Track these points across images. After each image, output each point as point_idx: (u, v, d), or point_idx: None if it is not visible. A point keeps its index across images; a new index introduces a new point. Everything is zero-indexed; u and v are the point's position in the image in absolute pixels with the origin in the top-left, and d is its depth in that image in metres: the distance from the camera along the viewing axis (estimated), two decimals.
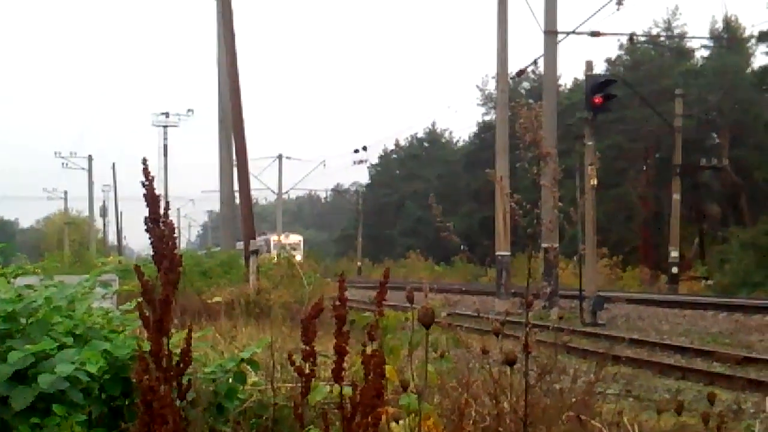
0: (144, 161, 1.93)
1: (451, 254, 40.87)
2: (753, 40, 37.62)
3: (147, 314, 1.80)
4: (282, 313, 9.49)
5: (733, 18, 40.18)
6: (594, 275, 18.99)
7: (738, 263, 31.11)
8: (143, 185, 1.85)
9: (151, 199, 1.85)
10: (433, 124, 65.88)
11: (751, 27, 37.33)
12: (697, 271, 35.69)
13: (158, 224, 1.82)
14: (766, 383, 8.31)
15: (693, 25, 52.60)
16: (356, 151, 50.45)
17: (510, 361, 2.77)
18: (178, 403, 1.86)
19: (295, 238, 52.87)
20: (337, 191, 75.93)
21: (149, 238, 1.88)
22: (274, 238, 52.24)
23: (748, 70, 38.97)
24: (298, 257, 45.39)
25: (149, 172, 1.88)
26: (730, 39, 40.51)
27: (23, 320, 3.06)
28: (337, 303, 1.83)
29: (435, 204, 3.18)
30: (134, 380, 1.83)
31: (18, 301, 3.06)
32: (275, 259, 33.02)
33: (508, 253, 19.51)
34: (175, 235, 1.91)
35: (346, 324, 1.84)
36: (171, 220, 1.91)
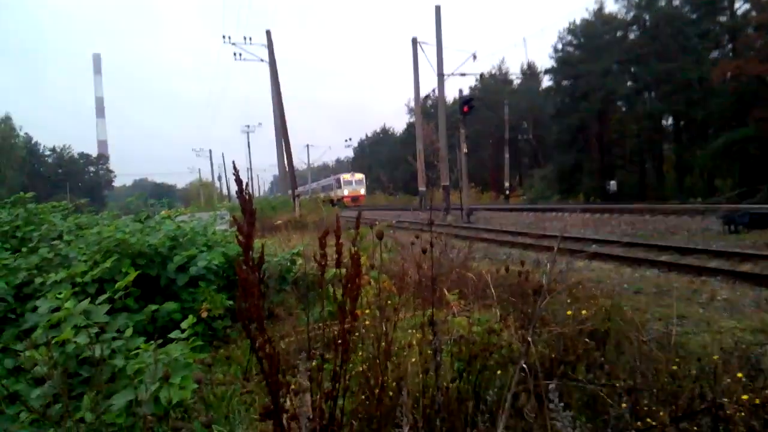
0: (233, 163, 2.84)
1: (397, 191, 73.61)
2: (542, 74, 67.10)
3: (240, 238, 2.49)
4: (312, 227, 15.91)
5: (532, 62, 74.95)
6: (467, 198, 30.62)
7: (538, 187, 57.98)
8: (234, 175, 2.59)
9: (238, 181, 2.54)
10: (384, 124, 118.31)
11: (541, 67, 69.98)
12: (518, 192, 62.62)
13: (242, 193, 2.50)
14: (551, 248, 12.76)
15: (513, 66, 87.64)
16: (346, 140, 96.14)
17: (424, 250, 5.27)
18: (259, 282, 2.49)
19: (359, 176, 68.45)
20: (338, 161, 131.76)
21: (238, 200, 2.52)
22: (343, 176, 67.60)
23: (540, 89, 68.34)
24: (362, 190, 67.23)
25: (237, 169, 2.63)
26: (530, 73, 72.97)
27: (181, 239, 5.27)
28: (336, 228, 2.72)
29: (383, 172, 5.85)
30: (237, 268, 2.51)
31: (178, 229, 5.27)
32: (345, 193, 62.94)
33: (425, 189, 32.14)
34: (252, 199, 2.51)
35: (341, 236, 2.71)
36: (248, 191, 2.53)
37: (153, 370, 3.06)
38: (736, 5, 41.50)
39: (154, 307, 4.61)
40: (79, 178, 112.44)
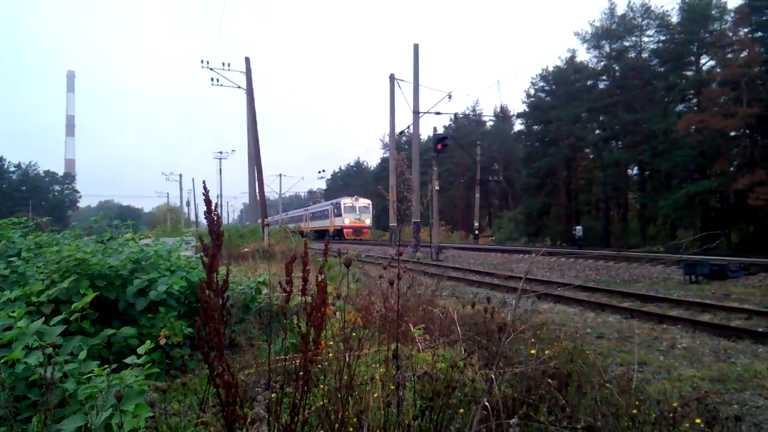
0: (204, 183, 2.84)
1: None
2: (514, 117, 70.31)
3: (205, 261, 2.47)
4: (280, 257, 15.63)
5: (505, 105, 79.55)
6: (437, 235, 31.59)
7: (506, 229, 60.31)
8: (204, 195, 2.64)
9: (206, 201, 2.56)
10: (359, 158, 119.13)
11: (513, 110, 74.32)
12: (487, 233, 62.31)
13: (211, 215, 2.53)
14: (516, 288, 12.64)
15: (486, 107, 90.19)
16: (320, 171, 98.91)
17: (391, 282, 5.32)
18: (222, 308, 2.47)
19: (365, 202, 56.74)
20: (310, 192, 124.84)
21: (207, 222, 2.60)
22: (344, 200, 56.54)
23: (512, 132, 70.25)
24: (368, 221, 56.45)
25: (207, 189, 2.62)
26: (503, 116, 76.58)
27: (143, 262, 5.15)
28: (303, 255, 2.75)
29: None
30: (199, 291, 2.42)
31: (141, 252, 5.14)
32: (345, 222, 52.66)
33: (396, 224, 31.77)
34: (220, 220, 2.57)
35: (308, 264, 2.71)
36: (217, 213, 2.58)
37: (105, 395, 2.95)
38: (702, 61, 43.34)
39: (110, 331, 4.47)
40: (42, 197, 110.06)
